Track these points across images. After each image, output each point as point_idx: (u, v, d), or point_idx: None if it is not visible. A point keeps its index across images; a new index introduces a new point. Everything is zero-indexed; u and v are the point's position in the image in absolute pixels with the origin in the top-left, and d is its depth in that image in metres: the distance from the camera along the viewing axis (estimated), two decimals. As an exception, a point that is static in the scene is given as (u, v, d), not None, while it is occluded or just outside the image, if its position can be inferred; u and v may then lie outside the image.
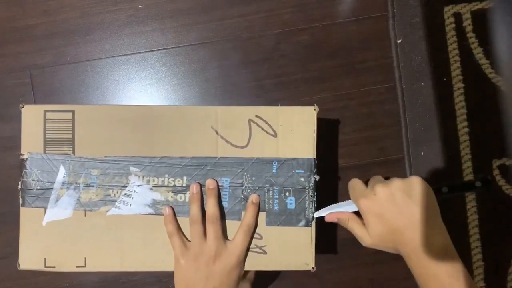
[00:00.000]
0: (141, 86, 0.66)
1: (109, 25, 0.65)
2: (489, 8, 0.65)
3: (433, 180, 0.66)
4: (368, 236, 0.44)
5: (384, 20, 0.66)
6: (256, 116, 0.48)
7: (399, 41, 0.66)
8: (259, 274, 0.66)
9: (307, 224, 0.48)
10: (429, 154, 0.66)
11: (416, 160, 0.66)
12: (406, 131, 0.66)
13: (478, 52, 0.65)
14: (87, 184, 0.47)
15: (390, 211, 0.43)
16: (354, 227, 0.46)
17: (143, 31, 0.66)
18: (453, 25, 0.66)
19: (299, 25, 0.66)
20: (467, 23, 0.66)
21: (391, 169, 0.66)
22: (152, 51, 0.66)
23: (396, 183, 0.43)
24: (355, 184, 0.46)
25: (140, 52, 0.66)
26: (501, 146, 0.66)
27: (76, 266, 0.47)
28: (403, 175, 0.66)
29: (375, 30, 0.66)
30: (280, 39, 0.66)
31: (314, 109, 0.48)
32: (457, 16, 0.66)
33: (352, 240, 0.67)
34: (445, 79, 0.66)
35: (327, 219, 0.48)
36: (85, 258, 0.48)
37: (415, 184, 0.43)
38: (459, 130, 0.66)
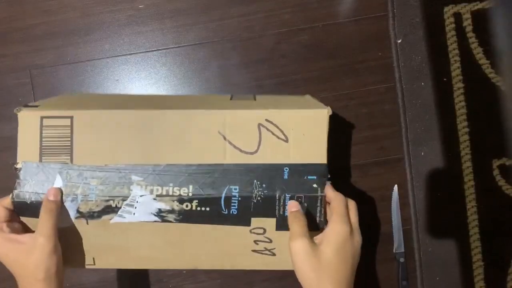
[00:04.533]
0: (141, 86, 0.66)
1: (109, 25, 0.65)
2: (489, 8, 0.65)
3: (433, 180, 0.66)
4: (310, 243, 0.41)
5: (384, 20, 0.66)
6: (266, 120, 0.45)
7: (399, 41, 0.66)
8: (258, 274, 0.66)
9: (317, 228, 0.46)
10: (429, 154, 0.66)
11: (416, 160, 0.66)
12: (406, 131, 0.66)
13: (478, 52, 0.65)
14: (85, 195, 0.44)
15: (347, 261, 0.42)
16: (300, 223, 0.43)
17: (143, 31, 0.66)
18: (453, 25, 0.66)
19: (299, 25, 0.66)
20: (467, 23, 0.66)
21: (391, 169, 0.66)
22: (152, 51, 0.66)
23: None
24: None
25: (140, 52, 0.66)
26: (501, 146, 0.66)
27: (86, 265, 0.47)
28: (403, 175, 0.66)
29: (375, 30, 0.66)
30: (280, 39, 0.66)
31: (328, 112, 0.45)
32: (457, 16, 0.66)
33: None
34: (445, 79, 0.66)
35: (289, 204, 0.45)
36: (93, 258, 0.47)
37: (358, 242, 0.43)
38: (459, 130, 0.66)
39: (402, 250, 0.65)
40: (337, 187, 0.46)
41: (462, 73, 0.66)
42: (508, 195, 0.66)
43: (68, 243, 0.45)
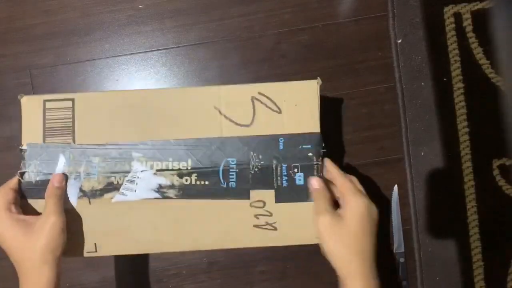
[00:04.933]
0: (141, 86, 0.66)
1: (109, 25, 0.65)
2: (489, 8, 0.65)
3: (433, 180, 0.66)
4: (334, 219, 0.44)
5: (384, 20, 0.66)
6: (259, 93, 0.47)
7: (399, 41, 0.66)
8: (258, 274, 0.66)
9: None
10: (429, 154, 0.66)
11: (416, 160, 0.66)
12: (406, 131, 0.66)
13: (478, 52, 0.65)
14: (88, 173, 0.46)
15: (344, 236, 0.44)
16: (324, 199, 0.46)
17: (143, 31, 0.66)
18: (453, 25, 0.66)
19: (299, 25, 0.66)
20: (467, 23, 0.66)
21: (391, 169, 0.66)
22: (152, 51, 0.66)
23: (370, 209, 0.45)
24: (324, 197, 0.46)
25: (140, 52, 0.66)
26: (501, 146, 0.66)
27: (87, 252, 0.47)
28: (403, 175, 0.66)
29: (375, 30, 0.66)
30: (280, 39, 0.66)
31: (317, 82, 0.48)
32: (457, 16, 0.66)
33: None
34: (445, 79, 0.66)
35: (312, 181, 0.47)
36: (95, 244, 0.47)
37: (375, 212, 0.46)
38: (459, 130, 0.66)
39: (402, 250, 0.65)
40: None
41: (462, 73, 0.66)
42: (508, 195, 0.66)
43: (69, 230, 0.46)
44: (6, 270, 0.63)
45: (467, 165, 0.66)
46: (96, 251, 0.47)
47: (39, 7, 0.65)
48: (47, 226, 0.42)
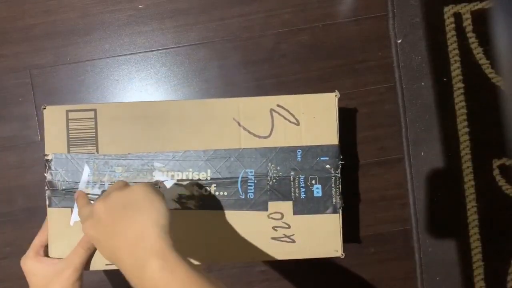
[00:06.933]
0: (141, 86, 0.66)
1: (109, 25, 0.65)
2: (489, 8, 0.65)
3: (433, 180, 0.66)
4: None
5: (384, 20, 0.66)
6: (278, 105, 0.48)
7: (399, 41, 0.66)
8: (258, 274, 0.66)
9: (335, 211, 0.48)
10: (429, 154, 0.66)
11: (416, 160, 0.66)
12: (406, 131, 0.66)
13: (478, 52, 0.65)
14: (112, 182, 0.47)
15: (105, 233, 0.37)
16: (82, 211, 0.41)
17: (143, 31, 0.66)
18: (453, 25, 0.66)
19: (299, 25, 0.66)
20: (467, 23, 0.66)
21: (391, 169, 0.66)
22: (152, 51, 0.66)
23: (113, 197, 0.38)
24: (80, 201, 0.43)
25: (140, 52, 0.66)
26: (501, 146, 0.66)
27: (106, 264, 0.47)
28: (403, 175, 0.66)
29: (375, 30, 0.66)
30: (280, 39, 0.66)
31: (336, 95, 0.48)
32: (457, 16, 0.66)
33: (352, 240, 0.67)
34: (445, 79, 0.66)
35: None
36: None
37: (136, 193, 0.38)
38: (459, 130, 0.66)
39: None
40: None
41: (462, 73, 0.66)
42: (508, 195, 0.66)
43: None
44: (6, 270, 0.63)
45: (467, 165, 0.66)
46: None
47: (39, 7, 0.65)
48: (62, 276, 0.44)
